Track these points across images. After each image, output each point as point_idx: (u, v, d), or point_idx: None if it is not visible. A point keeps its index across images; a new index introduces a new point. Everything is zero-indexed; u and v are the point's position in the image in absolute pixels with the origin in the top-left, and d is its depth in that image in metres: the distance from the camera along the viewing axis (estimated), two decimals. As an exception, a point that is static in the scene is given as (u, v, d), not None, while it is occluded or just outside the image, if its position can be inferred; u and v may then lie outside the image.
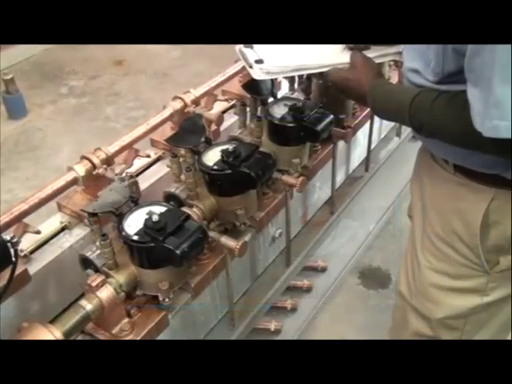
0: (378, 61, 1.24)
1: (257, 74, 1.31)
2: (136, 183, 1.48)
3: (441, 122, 0.98)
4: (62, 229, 1.45)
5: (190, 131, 1.43)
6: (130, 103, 3.48)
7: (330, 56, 1.28)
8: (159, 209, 1.22)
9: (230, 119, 1.78)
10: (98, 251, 1.21)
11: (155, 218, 1.15)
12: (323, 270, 2.16)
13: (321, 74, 1.28)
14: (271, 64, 1.31)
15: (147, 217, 1.17)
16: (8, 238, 1.09)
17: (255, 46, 1.37)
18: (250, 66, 1.33)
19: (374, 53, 1.25)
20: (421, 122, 1.01)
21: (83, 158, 1.41)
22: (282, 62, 1.31)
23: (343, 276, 2.20)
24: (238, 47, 1.39)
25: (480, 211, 1.05)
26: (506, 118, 0.80)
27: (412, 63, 1.06)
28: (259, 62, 1.32)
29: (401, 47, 1.14)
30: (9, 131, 3.24)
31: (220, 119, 1.65)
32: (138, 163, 1.64)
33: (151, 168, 1.66)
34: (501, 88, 0.80)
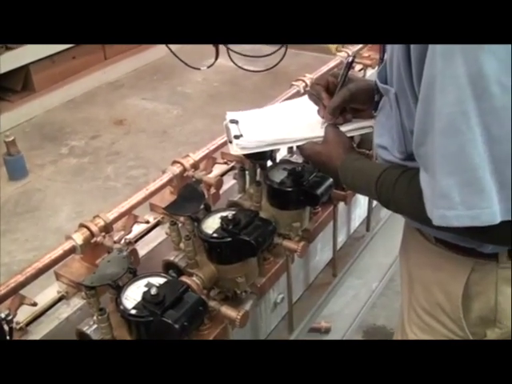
0: (350, 135, 1.23)
1: (233, 149, 1.30)
2: (135, 251, 1.47)
3: (403, 202, 0.96)
4: (59, 299, 1.42)
5: (188, 198, 1.42)
6: (131, 162, 3.50)
7: (307, 130, 1.27)
8: (158, 280, 1.20)
9: (230, 182, 1.78)
10: (96, 325, 1.18)
11: (154, 291, 1.12)
12: (327, 331, 2.10)
13: (297, 147, 1.27)
14: (248, 139, 1.30)
15: (145, 289, 1.15)
16: (3, 315, 1.07)
17: (240, 121, 1.37)
18: (230, 141, 1.33)
19: (348, 126, 1.24)
20: (387, 200, 1.00)
21: (81, 225, 1.40)
22: (258, 136, 1.31)
23: (348, 336, 2.15)
24: (225, 123, 1.38)
25: (461, 283, 1.02)
26: (454, 208, 0.79)
27: (380, 140, 1.05)
28: (237, 137, 1.31)
29: (373, 121, 1.14)
30: (9, 193, 3.25)
31: (219, 183, 1.65)
32: (137, 229, 1.62)
33: (151, 233, 1.64)
34: (445, 180, 0.79)
